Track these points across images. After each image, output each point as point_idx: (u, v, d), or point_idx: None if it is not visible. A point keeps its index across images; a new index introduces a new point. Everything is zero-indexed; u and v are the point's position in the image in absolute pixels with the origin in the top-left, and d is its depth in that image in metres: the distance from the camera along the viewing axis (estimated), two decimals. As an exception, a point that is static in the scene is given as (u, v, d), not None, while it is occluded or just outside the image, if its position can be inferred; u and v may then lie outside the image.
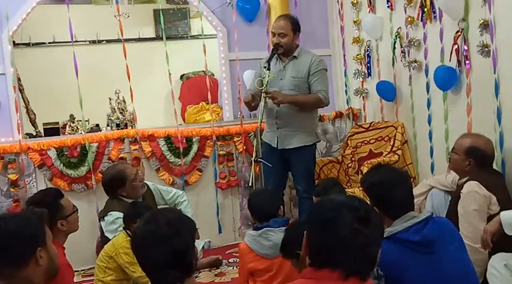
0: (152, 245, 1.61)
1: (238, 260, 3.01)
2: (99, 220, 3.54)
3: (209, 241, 4.28)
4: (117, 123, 4.72)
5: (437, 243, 1.99)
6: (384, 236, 1.96)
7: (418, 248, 1.97)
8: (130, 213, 3.01)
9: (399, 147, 4.17)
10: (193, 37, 6.21)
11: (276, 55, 3.73)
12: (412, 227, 2.00)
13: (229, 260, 3.98)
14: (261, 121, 3.60)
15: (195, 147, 4.32)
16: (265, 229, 2.63)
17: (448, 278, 1.98)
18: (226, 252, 4.17)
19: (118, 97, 4.88)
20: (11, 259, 1.66)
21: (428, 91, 3.87)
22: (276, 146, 3.79)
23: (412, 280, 1.95)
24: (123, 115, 4.79)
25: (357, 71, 4.64)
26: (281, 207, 2.89)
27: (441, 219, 2.15)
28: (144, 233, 1.66)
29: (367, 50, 4.56)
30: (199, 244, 3.91)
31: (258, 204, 2.80)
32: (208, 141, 4.37)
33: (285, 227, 2.64)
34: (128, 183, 3.51)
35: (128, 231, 3.00)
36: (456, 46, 3.49)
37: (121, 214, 3.24)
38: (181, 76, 6.31)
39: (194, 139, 4.33)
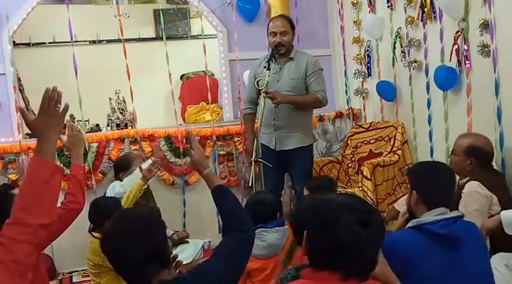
0: (125, 242, 1.59)
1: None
2: None
3: (209, 241, 4.28)
4: (117, 123, 4.72)
5: (462, 241, 2.00)
6: (410, 226, 2.06)
7: (443, 242, 1.98)
8: (98, 213, 2.97)
9: (399, 147, 4.17)
10: (193, 37, 6.22)
11: (273, 56, 3.73)
12: (440, 222, 2.02)
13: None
14: (261, 121, 3.60)
15: (195, 147, 4.31)
16: (259, 229, 2.62)
17: (466, 278, 1.97)
18: (226, 252, 4.15)
19: (118, 97, 4.88)
20: None
21: (428, 91, 3.87)
22: (273, 148, 3.78)
23: (430, 272, 1.95)
24: (123, 115, 4.78)
25: (357, 71, 4.64)
26: (278, 213, 2.88)
27: (470, 223, 2.16)
28: (116, 231, 1.64)
29: (367, 50, 4.56)
30: (198, 243, 3.91)
31: (257, 212, 2.76)
32: (208, 141, 4.37)
33: (279, 228, 2.64)
34: (130, 170, 3.64)
35: (98, 233, 2.96)
36: (456, 46, 3.48)
37: (122, 186, 3.49)
38: (182, 76, 6.32)
39: (194, 139, 4.32)
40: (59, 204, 2.07)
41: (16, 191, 2.30)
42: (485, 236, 2.48)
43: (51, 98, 1.68)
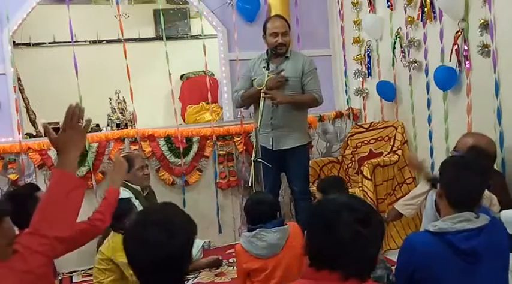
0: (141, 249, 1.47)
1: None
2: None
3: (209, 241, 4.28)
4: (117, 123, 4.72)
5: (484, 256, 1.90)
6: (431, 230, 1.92)
7: (463, 256, 1.88)
8: (117, 212, 2.99)
9: (399, 147, 4.17)
10: (193, 37, 6.21)
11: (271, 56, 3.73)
12: (462, 233, 1.90)
13: (229, 260, 3.98)
14: (260, 121, 3.60)
15: (195, 147, 4.32)
16: (259, 229, 2.63)
17: None
18: (226, 252, 4.16)
19: (118, 97, 4.88)
20: None
21: (428, 91, 3.87)
22: (271, 147, 3.78)
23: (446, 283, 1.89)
24: (123, 115, 4.78)
25: (357, 71, 4.64)
26: (277, 213, 2.87)
27: (499, 228, 2.02)
28: (133, 236, 1.51)
29: (367, 50, 4.56)
30: (198, 243, 3.91)
31: (256, 212, 2.77)
32: (208, 141, 4.37)
33: (279, 228, 2.65)
34: (132, 170, 3.65)
35: (120, 231, 2.97)
36: (456, 46, 3.49)
37: (125, 190, 3.47)
38: (182, 77, 6.31)
39: (194, 139, 4.33)
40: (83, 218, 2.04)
41: (41, 193, 2.39)
42: None
43: (74, 114, 1.68)
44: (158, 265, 1.47)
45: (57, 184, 1.60)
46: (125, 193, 3.49)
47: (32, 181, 3.90)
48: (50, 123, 4.47)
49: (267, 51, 3.78)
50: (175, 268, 1.51)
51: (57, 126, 4.61)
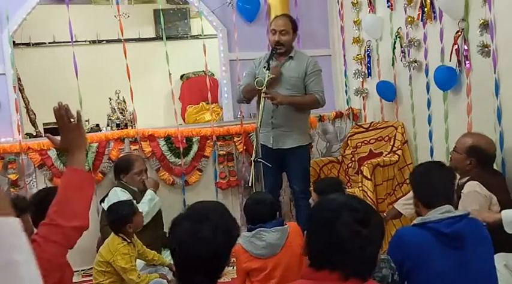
0: (193, 243, 1.54)
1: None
2: (100, 203, 3.68)
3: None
4: (117, 123, 4.72)
5: (468, 241, 1.99)
6: (415, 223, 2.07)
7: (447, 241, 1.97)
8: (116, 218, 2.99)
9: (399, 147, 4.16)
10: (193, 37, 6.21)
11: (273, 55, 3.73)
12: (445, 220, 2.01)
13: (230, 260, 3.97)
14: (261, 121, 3.60)
15: (195, 147, 4.32)
16: (258, 229, 2.63)
17: (470, 278, 1.97)
18: (227, 252, 4.15)
19: (118, 97, 4.88)
20: None
21: (428, 91, 3.87)
22: (271, 146, 3.78)
23: (437, 270, 1.95)
24: (123, 115, 4.79)
25: (357, 71, 4.64)
26: (277, 213, 2.87)
27: (478, 222, 2.14)
28: (185, 229, 1.58)
29: (367, 50, 4.56)
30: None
31: (256, 212, 2.76)
32: (208, 141, 4.37)
33: (278, 227, 2.65)
34: (130, 173, 3.68)
35: (120, 234, 2.98)
36: (456, 46, 3.48)
37: (124, 191, 3.51)
38: (182, 77, 6.31)
39: (194, 139, 4.33)
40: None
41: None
42: None
43: (61, 116, 1.73)
44: (204, 261, 1.54)
45: (69, 179, 1.71)
46: (124, 195, 3.49)
47: (33, 181, 3.91)
48: (50, 123, 4.53)
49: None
50: (215, 268, 1.59)
51: (57, 126, 4.65)
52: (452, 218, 2.02)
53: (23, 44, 5.59)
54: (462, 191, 2.78)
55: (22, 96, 4.55)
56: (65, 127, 1.73)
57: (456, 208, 2.77)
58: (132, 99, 4.23)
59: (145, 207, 3.49)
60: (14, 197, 2.13)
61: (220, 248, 1.57)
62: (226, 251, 1.62)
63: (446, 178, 2.23)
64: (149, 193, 3.64)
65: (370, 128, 4.49)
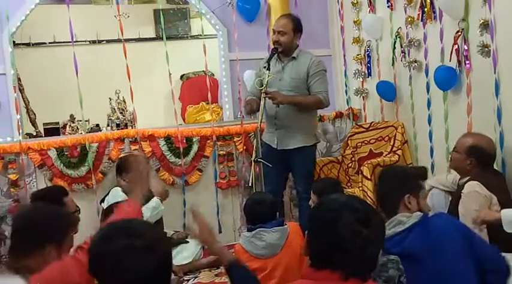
0: (129, 258, 1.34)
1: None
2: (100, 203, 3.69)
3: (209, 241, 4.27)
4: (117, 123, 4.72)
5: (420, 256, 1.88)
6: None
7: (402, 259, 1.87)
8: None
9: (399, 147, 4.17)
10: (193, 37, 6.20)
11: (275, 55, 3.72)
12: (395, 237, 1.93)
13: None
14: (261, 121, 3.60)
15: (195, 147, 4.32)
16: (258, 229, 2.63)
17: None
18: (227, 252, 4.16)
19: (118, 97, 4.88)
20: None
21: (428, 91, 3.87)
22: (275, 146, 3.78)
23: None
24: (123, 115, 4.79)
25: (357, 71, 4.64)
26: (277, 213, 2.87)
27: (435, 222, 1.98)
28: (120, 246, 1.37)
29: (367, 50, 4.56)
30: (198, 243, 3.89)
31: (256, 212, 2.76)
32: (208, 141, 4.37)
33: (278, 228, 2.65)
34: (132, 173, 3.56)
35: None
36: (456, 46, 3.48)
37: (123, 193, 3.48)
38: (182, 77, 6.31)
39: (194, 139, 4.33)
40: None
41: (68, 198, 2.72)
42: (478, 222, 2.50)
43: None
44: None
45: (127, 209, 2.04)
46: (124, 195, 3.47)
47: (33, 181, 3.90)
48: (50, 123, 4.53)
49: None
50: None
51: (57, 126, 4.65)
52: (401, 232, 1.93)
53: (23, 44, 5.58)
54: (462, 191, 2.78)
55: (22, 96, 4.55)
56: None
57: (456, 208, 2.78)
58: (132, 99, 4.23)
59: (148, 212, 3.41)
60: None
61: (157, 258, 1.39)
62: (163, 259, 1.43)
63: (387, 189, 2.18)
64: (155, 201, 3.54)
65: (370, 128, 4.50)
